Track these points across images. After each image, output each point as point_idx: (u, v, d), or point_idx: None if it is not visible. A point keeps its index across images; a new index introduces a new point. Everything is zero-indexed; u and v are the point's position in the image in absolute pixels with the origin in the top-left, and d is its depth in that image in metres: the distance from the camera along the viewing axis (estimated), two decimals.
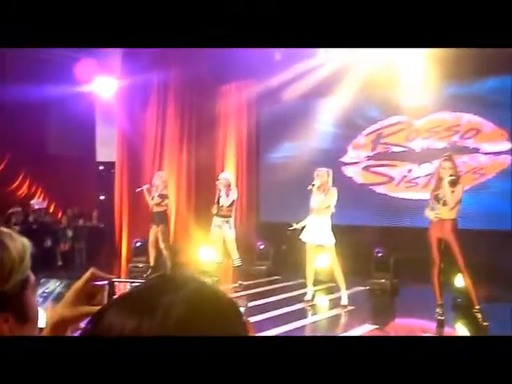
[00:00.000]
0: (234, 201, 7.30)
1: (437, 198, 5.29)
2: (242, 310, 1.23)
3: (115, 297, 0.79)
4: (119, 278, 1.42)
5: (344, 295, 6.20)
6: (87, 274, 0.93)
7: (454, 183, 5.17)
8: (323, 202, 6.12)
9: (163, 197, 7.97)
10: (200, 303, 0.57)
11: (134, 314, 0.54)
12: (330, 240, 6.13)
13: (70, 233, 9.42)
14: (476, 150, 7.93)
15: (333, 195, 6.16)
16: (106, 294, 0.94)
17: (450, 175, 5.15)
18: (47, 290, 1.10)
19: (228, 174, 7.60)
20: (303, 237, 6.28)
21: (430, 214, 5.35)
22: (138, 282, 0.95)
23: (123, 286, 1.00)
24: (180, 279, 0.60)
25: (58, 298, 1.04)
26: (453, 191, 5.13)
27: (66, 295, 0.94)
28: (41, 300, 1.05)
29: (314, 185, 6.12)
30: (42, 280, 1.11)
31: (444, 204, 5.24)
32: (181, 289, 0.58)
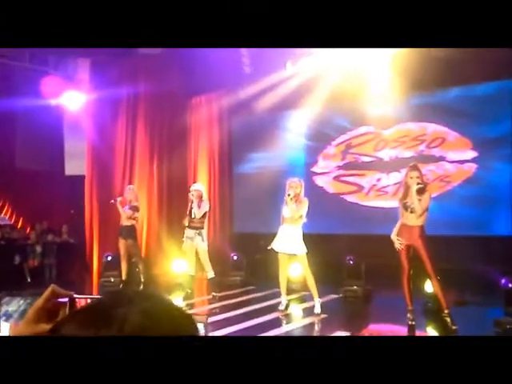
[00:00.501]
0: (206, 212, 7.29)
1: (405, 206, 5.43)
2: (201, 325, 1.25)
3: (72, 311, 0.82)
4: (91, 293, 1.42)
5: (317, 304, 6.26)
6: (47, 292, 0.92)
7: (421, 191, 5.32)
8: (295, 212, 6.19)
9: (135, 209, 7.90)
10: (155, 316, 0.60)
11: (90, 326, 0.58)
12: (302, 249, 6.19)
13: (38, 248, 9.22)
14: (442, 159, 8.16)
15: (304, 205, 6.24)
16: (67, 310, 0.95)
17: (418, 183, 5.30)
18: (10, 309, 1.10)
19: (200, 186, 7.60)
20: (275, 246, 6.33)
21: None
22: (97, 297, 0.96)
23: (84, 302, 1.01)
24: (135, 293, 0.65)
25: (22, 315, 1.04)
26: (420, 199, 5.28)
27: (28, 313, 0.95)
28: (4, 318, 1.05)
29: (289, 195, 6.19)
30: (5, 299, 1.11)
31: (412, 211, 5.38)
32: (136, 302, 0.61)
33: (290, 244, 6.24)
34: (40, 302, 0.92)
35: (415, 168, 5.49)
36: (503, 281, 5.49)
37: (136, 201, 7.99)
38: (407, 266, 5.47)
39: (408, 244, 5.44)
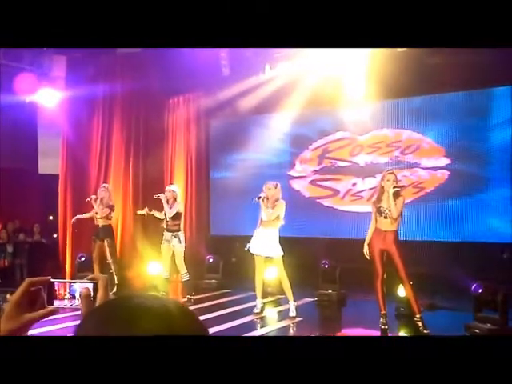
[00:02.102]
0: (179, 214, 7.25)
1: (379, 211, 5.51)
2: None
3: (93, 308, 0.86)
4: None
5: (292, 307, 6.30)
6: (23, 286, 0.93)
7: (396, 195, 5.42)
8: (271, 215, 6.24)
9: (111, 208, 7.81)
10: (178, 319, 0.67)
11: (113, 322, 0.64)
12: (278, 252, 6.24)
13: (10, 248, 9.03)
14: (416, 165, 8.31)
15: (281, 208, 6.28)
16: (44, 295, 0.95)
17: (394, 187, 5.39)
18: None
19: (175, 187, 7.55)
20: (251, 248, 6.36)
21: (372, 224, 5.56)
22: (77, 282, 0.97)
23: (63, 286, 1.01)
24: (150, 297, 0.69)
25: None
26: (395, 204, 5.37)
27: (6, 309, 0.95)
28: None
29: (259, 197, 6.24)
30: None
31: (386, 217, 5.47)
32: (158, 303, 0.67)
33: (266, 246, 6.28)
34: (17, 295, 0.93)
35: (392, 172, 5.59)
36: (473, 286, 5.63)
37: (110, 200, 7.88)
38: (381, 270, 5.54)
39: (382, 249, 5.52)
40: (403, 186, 5.81)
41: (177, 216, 7.19)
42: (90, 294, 0.92)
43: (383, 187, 5.50)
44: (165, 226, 7.19)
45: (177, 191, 7.38)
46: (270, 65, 8.93)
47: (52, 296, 0.95)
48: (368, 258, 5.58)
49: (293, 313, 6.27)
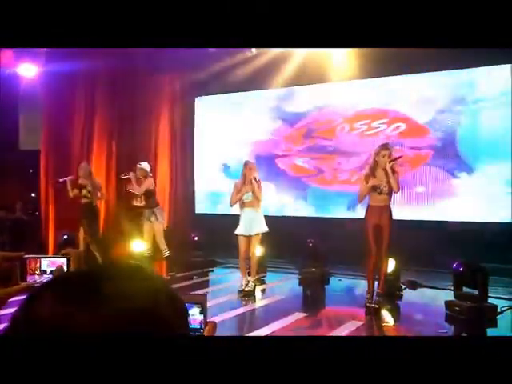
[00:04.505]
0: (151, 190, 7.21)
1: (373, 187, 5.45)
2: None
3: (47, 281, 0.77)
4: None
5: (250, 283, 6.37)
6: None
7: (393, 170, 5.39)
8: (249, 195, 6.25)
9: (81, 187, 7.69)
10: (142, 297, 0.55)
11: (71, 300, 0.51)
12: (259, 229, 6.26)
13: None
14: (401, 144, 8.33)
15: (258, 186, 6.27)
16: (17, 271, 0.93)
17: (391, 161, 5.36)
18: None
19: (145, 164, 7.42)
20: (237, 231, 6.37)
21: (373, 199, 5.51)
22: (50, 257, 0.95)
23: (35, 262, 0.98)
24: (124, 268, 0.59)
25: None
26: (394, 178, 5.34)
27: None
28: None
29: (243, 177, 6.27)
30: None
31: (380, 193, 5.44)
32: (125, 277, 0.56)
33: (249, 227, 6.30)
34: None
35: (386, 147, 5.52)
36: (454, 265, 5.71)
37: (86, 178, 7.72)
38: (374, 249, 5.50)
39: (376, 224, 5.49)
40: (400, 157, 5.75)
41: (149, 193, 7.17)
42: (63, 270, 0.90)
43: (377, 162, 5.43)
44: (140, 204, 7.18)
45: (147, 168, 7.30)
46: None
47: (25, 272, 0.93)
48: (368, 231, 5.51)
49: (249, 288, 6.33)
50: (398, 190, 5.45)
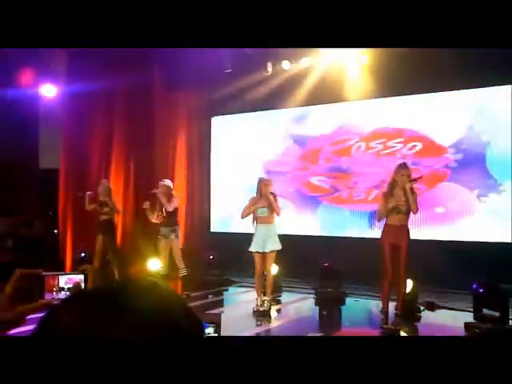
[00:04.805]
0: (176, 209, 7.25)
1: (392, 207, 5.40)
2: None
3: (66, 297, 0.78)
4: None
5: (266, 302, 6.31)
6: (14, 277, 0.91)
7: (412, 190, 5.34)
8: (265, 211, 6.24)
9: (103, 204, 7.79)
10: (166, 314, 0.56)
11: (95, 313, 0.52)
12: (274, 247, 6.23)
13: (10, 243, 9.03)
14: (418, 163, 8.27)
15: (275, 200, 6.25)
16: (37, 289, 0.94)
17: (411, 180, 5.31)
18: None
19: (169, 181, 7.49)
20: (252, 248, 6.35)
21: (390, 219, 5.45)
22: (68, 274, 0.96)
23: (55, 280, 0.99)
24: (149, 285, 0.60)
25: None
26: (413, 198, 5.28)
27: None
28: None
29: (257, 193, 6.27)
30: None
31: (399, 212, 5.38)
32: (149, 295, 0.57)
33: (264, 243, 6.27)
34: (8, 288, 0.91)
35: (405, 167, 5.48)
36: (474, 285, 5.61)
37: (107, 196, 7.83)
38: (390, 270, 5.42)
39: (392, 243, 5.42)
40: (420, 178, 5.70)
41: (175, 210, 7.19)
42: (80, 286, 0.90)
43: (396, 181, 5.39)
44: (159, 222, 7.18)
45: (171, 185, 7.36)
46: (272, 62, 8.92)
47: (43, 289, 0.94)
48: (385, 251, 5.44)
49: (263, 307, 6.28)
50: (417, 211, 5.37)
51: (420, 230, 7.56)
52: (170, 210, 7.09)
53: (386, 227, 5.50)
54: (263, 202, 6.25)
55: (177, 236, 7.18)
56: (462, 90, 7.90)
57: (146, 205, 7.19)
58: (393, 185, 5.42)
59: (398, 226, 5.40)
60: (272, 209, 6.24)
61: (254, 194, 6.41)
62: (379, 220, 5.67)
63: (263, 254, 6.32)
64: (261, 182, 6.39)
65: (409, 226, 5.52)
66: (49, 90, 9.46)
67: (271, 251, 6.28)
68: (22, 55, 8.49)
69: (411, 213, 5.42)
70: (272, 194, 6.26)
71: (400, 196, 5.34)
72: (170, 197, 7.13)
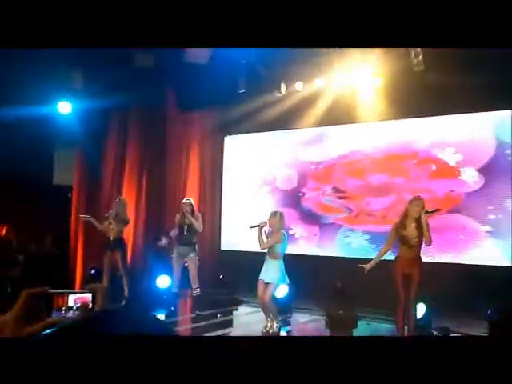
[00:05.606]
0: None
1: (403, 240, 5.33)
2: None
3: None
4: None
5: (276, 324, 6.24)
6: (22, 298, 0.91)
7: (426, 222, 5.25)
8: (266, 244, 6.16)
9: (126, 222, 7.84)
10: None
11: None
12: (271, 280, 6.13)
13: (21, 258, 9.05)
14: (431, 186, 8.20)
15: (278, 238, 6.16)
16: (43, 307, 0.93)
17: (426, 212, 5.24)
18: None
19: (192, 200, 7.48)
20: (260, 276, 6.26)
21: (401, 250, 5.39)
22: (76, 293, 0.94)
23: (62, 297, 0.98)
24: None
25: None
26: (427, 231, 5.21)
27: (8, 323, 0.91)
28: None
29: (254, 226, 6.20)
30: None
31: (411, 246, 5.30)
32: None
33: (266, 274, 6.19)
34: (16, 309, 0.90)
35: (420, 199, 5.42)
36: (489, 311, 5.48)
37: (125, 214, 7.91)
38: (403, 296, 5.36)
39: (405, 273, 5.35)
40: (437, 210, 5.64)
41: (194, 229, 7.13)
42: (89, 306, 0.88)
43: (408, 212, 5.34)
44: (177, 239, 7.14)
45: (193, 203, 7.36)
46: (285, 83, 8.97)
47: (51, 307, 0.92)
48: (397, 278, 5.38)
49: (272, 329, 6.21)
50: (430, 244, 5.30)
51: (435, 254, 7.46)
52: (200, 230, 7.07)
53: (399, 258, 5.44)
54: (273, 239, 6.17)
55: (196, 255, 7.13)
56: (477, 113, 7.86)
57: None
58: (405, 216, 5.37)
59: (410, 258, 5.33)
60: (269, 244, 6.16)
61: (266, 227, 6.30)
62: (385, 252, 5.59)
63: (264, 283, 6.21)
64: (280, 216, 6.28)
65: (424, 249, 5.45)
66: (64, 107, 9.58)
67: (271, 283, 6.17)
68: (37, 73, 8.64)
69: (424, 244, 5.35)
70: (277, 229, 6.18)
71: (412, 230, 5.27)
72: (194, 215, 7.12)
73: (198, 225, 7.03)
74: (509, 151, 7.56)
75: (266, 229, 6.26)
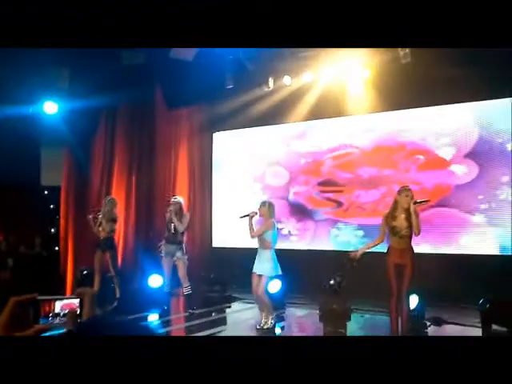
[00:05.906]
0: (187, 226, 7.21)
1: (393, 231, 5.33)
2: None
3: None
4: None
5: (270, 320, 6.23)
6: (10, 305, 0.89)
7: (415, 212, 5.26)
8: (258, 231, 6.13)
9: (114, 221, 7.77)
10: None
11: None
12: (269, 272, 6.12)
13: (10, 261, 8.96)
14: (420, 177, 8.23)
15: (268, 225, 6.13)
16: (31, 314, 0.91)
17: (415, 202, 5.24)
18: None
19: (180, 198, 7.45)
20: (253, 268, 6.24)
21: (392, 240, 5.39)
22: (63, 299, 0.92)
23: (50, 303, 0.97)
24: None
25: None
26: (417, 221, 5.21)
27: None
28: None
29: (245, 215, 6.16)
30: None
31: (401, 236, 5.30)
32: None
33: (259, 266, 6.17)
34: (3, 317, 0.89)
35: (409, 189, 5.41)
36: (481, 301, 5.52)
37: (114, 213, 7.84)
38: (396, 288, 5.36)
39: (397, 263, 5.34)
40: (426, 201, 5.65)
41: (186, 227, 7.12)
42: (76, 312, 0.86)
43: (397, 203, 5.34)
44: (167, 238, 7.11)
45: (182, 202, 7.31)
46: (273, 77, 8.95)
47: (39, 314, 0.90)
48: (389, 270, 5.38)
49: (267, 325, 6.20)
50: (419, 234, 5.30)
51: (426, 245, 7.49)
52: (181, 231, 7.02)
53: (390, 249, 5.43)
54: (264, 226, 6.15)
55: (183, 254, 7.09)
56: (464, 103, 7.88)
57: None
58: (395, 207, 5.36)
59: (401, 249, 5.33)
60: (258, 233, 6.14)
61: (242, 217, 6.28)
62: (379, 242, 5.59)
63: (257, 276, 6.19)
64: (269, 206, 6.26)
65: (416, 238, 5.44)
66: (50, 107, 9.46)
67: (263, 275, 6.15)
68: (23, 72, 8.53)
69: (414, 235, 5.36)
70: (265, 217, 6.17)
71: (402, 221, 5.28)
72: (181, 215, 7.07)
73: (181, 225, 6.98)
74: (500, 140, 7.60)
75: (257, 218, 6.25)
